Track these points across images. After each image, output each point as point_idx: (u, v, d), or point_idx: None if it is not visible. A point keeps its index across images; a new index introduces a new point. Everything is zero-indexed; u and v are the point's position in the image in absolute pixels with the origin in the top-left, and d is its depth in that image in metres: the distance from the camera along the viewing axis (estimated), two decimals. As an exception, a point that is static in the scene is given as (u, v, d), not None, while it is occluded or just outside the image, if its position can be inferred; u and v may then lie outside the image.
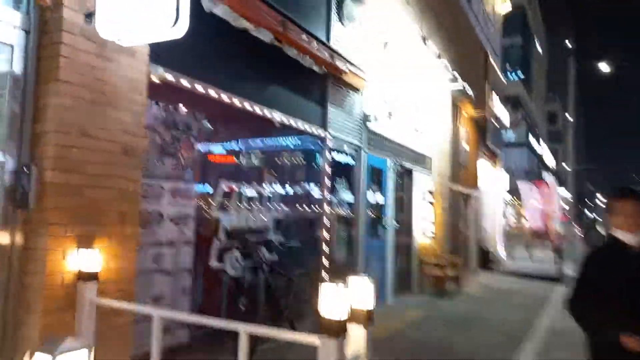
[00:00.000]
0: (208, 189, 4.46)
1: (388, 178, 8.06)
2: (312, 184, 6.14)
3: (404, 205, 9.03)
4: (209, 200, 4.41)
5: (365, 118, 7.18)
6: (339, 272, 6.50)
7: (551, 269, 14.02)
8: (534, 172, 36.13)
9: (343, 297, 2.17)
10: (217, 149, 4.73)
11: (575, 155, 24.24)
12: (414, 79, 8.96)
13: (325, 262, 6.09)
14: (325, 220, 6.15)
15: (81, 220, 3.01)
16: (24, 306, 2.84)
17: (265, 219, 5.05)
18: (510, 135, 37.61)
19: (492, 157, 15.16)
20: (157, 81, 3.75)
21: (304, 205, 6.10)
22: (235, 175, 4.79)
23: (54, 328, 2.83)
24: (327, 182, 6.22)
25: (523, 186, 18.97)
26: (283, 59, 5.27)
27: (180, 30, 2.88)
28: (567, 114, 51.73)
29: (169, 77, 3.88)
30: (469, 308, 8.26)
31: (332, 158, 6.47)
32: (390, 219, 8.11)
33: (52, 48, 2.96)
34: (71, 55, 2.98)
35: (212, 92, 4.32)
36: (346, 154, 6.93)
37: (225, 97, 4.47)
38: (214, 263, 4.32)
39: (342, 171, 6.83)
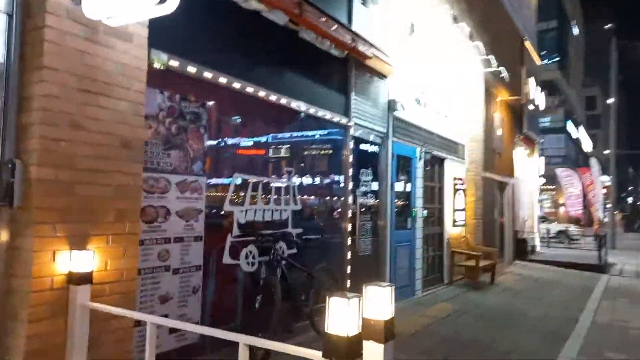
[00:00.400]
0: (220, 181, 4.09)
1: (417, 166, 7.51)
2: (335, 174, 5.70)
3: (434, 194, 8.46)
4: (222, 193, 4.05)
5: (392, 105, 6.66)
6: (364, 265, 6.06)
7: (592, 257, 13.05)
8: (571, 158, 34.33)
9: (354, 310, 1.75)
10: (231, 140, 4.34)
11: (617, 140, 22.71)
12: (445, 64, 8.33)
13: (348, 254, 5.66)
14: (349, 212, 5.71)
15: (73, 219, 2.70)
16: (9, 313, 2.56)
17: (284, 212, 4.66)
18: (546, 121, 35.86)
19: (529, 143, 14.24)
20: (159, 68, 3.40)
21: (327, 197, 5.68)
22: (250, 167, 4.40)
23: (43, 336, 2.54)
24: (351, 171, 5.77)
25: (562, 173, 17.85)
26: (301, 44, 4.85)
27: (168, 6, 2.51)
28: (607, 99, 48.94)
29: (174, 63, 3.52)
30: (503, 301, 7.65)
31: (356, 147, 6.01)
32: (419, 208, 7.57)
33: (36, 33, 2.64)
34: (57, 39, 2.65)
35: (222, 80, 3.95)
36: (371, 142, 6.45)
37: (237, 85, 4.09)
38: (227, 259, 3.98)
39: (367, 160, 6.36)
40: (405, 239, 7.14)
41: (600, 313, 7.16)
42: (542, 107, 14.43)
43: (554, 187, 31.32)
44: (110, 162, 2.90)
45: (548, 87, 36.08)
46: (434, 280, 8.24)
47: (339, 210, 5.71)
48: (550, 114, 36.24)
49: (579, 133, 43.26)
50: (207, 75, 3.82)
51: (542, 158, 15.52)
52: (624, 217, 45.61)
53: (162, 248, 3.51)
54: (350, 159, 5.78)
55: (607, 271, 12.37)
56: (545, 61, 37.53)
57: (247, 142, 4.43)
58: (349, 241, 5.68)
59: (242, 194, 4.21)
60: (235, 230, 4.08)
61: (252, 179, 4.34)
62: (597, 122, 57.11)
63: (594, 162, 14.74)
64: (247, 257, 4.15)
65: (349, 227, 5.71)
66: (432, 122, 8.07)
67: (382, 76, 6.53)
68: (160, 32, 3.26)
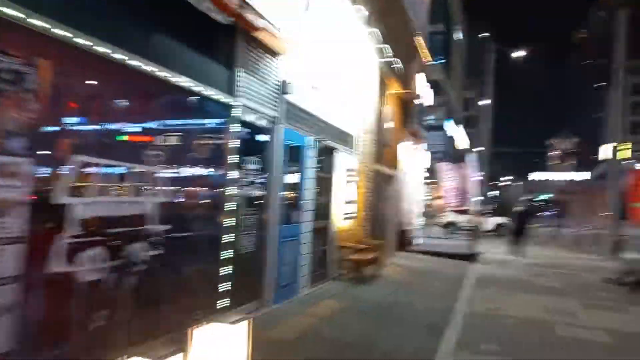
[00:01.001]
0: (55, 165, 3.14)
1: (308, 156, 7.04)
2: (215, 161, 4.96)
3: (324, 186, 8.09)
4: (57, 181, 3.12)
5: (284, 87, 6.06)
6: (246, 264, 5.44)
7: (465, 247, 13.88)
8: (450, 153, 37.00)
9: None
10: (74, 112, 3.39)
11: (490, 138, 24.74)
12: (341, 48, 7.93)
13: (228, 253, 4.98)
14: (231, 204, 5.02)
15: None
16: None
17: (146, 205, 3.82)
18: (430, 119, 38.19)
19: (416, 137, 14.66)
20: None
21: (204, 187, 4.92)
22: (100, 149, 3.48)
23: None
24: (234, 158, 5.08)
25: (442, 166, 18.88)
26: (176, 3, 4.01)
27: None
28: (482, 100, 53.62)
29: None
30: (387, 294, 7.56)
31: (241, 131, 5.31)
32: (309, 201, 7.12)
33: None
34: None
35: (61, 33, 3.01)
36: (260, 127, 5.79)
37: (83, 42, 3.17)
38: (61, 266, 3.07)
39: (254, 147, 5.69)
40: (292, 233, 6.64)
41: (473, 302, 7.39)
42: (429, 102, 14.93)
43: (435, 180, 33.55)
44: None
45: (433, 86, 38.45)
46: (321, 275, 7.89)
47: (219, 203, 4.99)
48: (433, 112, 38.72)
49: (458, 131, 46.92)
50: (39, 24, 2.86)
51: (428, 153, 16.19)
52: (493, 209, 50.54)
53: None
54: (234, 144, 5.08)
55: (477, 260, 13.24)
56: (432, 62, 39.86)
57: (96, 116, 3.50)
58: (228, 238, 5.00)
59: (86, 182, 3.30)
60: (75, 229, 3.17)
61: (101, 164, 3.44)
62: (472, 122, 62.61)
63: (471, 157, 15.77)
64: (90, 262, 3.26)
65: (231, 222, 5.02)
66: (326, 110, 7.64)
67: (274, 54, 5.89)
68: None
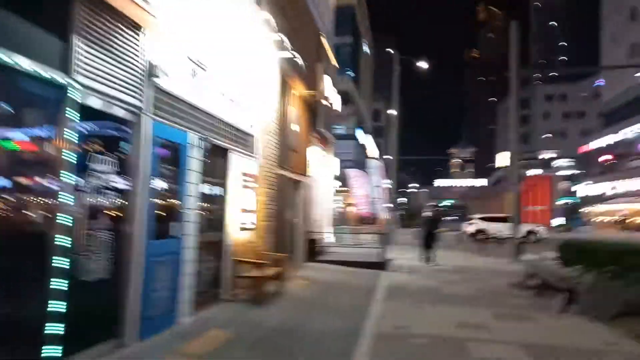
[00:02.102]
0: None
1: (190, 157, 5.81)
2: (42, 162, 3.61)
3: (216, 193, 6.90)
4: None
5: (152, 70, 4.82)
6: (92, 296, 4.09)
7: (375, 255, 13.28)
8: (361, 162, 37.31)
9: None
10: None
11: (396, 148, 24.96)
12: (233, 33, 6.84)
13: (59, 284, 3.62)
14: (62, 218, 3.68)
15: None
16: None
17: None
18: (340, 128, 38.29)
19: (324, 143, 13.93)
20: None
21: (24, 196, 3.54)
22: None
23: None
24: (69, 156, 3.75)
25: (352, 174, 18.44)
26: None
27: None
28: (389, 111, 55.37)
29: None
30: (288, 316, 6.51)
31: (88, 121, 4.00)
32: (193, 210, 5.89)
33: None
34: None
35: None
36: (117, 118, 4.49)
37: None
38: None
39: (108, 143, 4.39)
40: (167, 250, 5.35)
41: (383, 319, 6.60)
42: (337, 107, 14.30)
43: (347, 189, 33.44)
44: None
45: (342, 97, 38.65)
46: (211, 298, 6.65)
47: (48, 216, 3.63)
48: (343, 122, 38.88)
49: (367, 140, 47.75)
50: None
51: (337, 159, 15.56)
52: (400, 216, 51.95)
53: None
54: (71, 136, 3.76)
55: (388, 268, 12.72)
56: (342, 73, 40.12)
57: None
58: (61, 263, 3.64)
59: None
60: None
61: None
62: (381, 132, 64.48)
63: (379, 164, 15.45)
64: None
65: (64, 241, 3.67)
66: (214, 105, 6.48)
67: (136, 27, 4.63)
68: None
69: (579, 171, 58.76)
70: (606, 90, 54.05)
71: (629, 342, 5.78)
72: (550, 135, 73.04)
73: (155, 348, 4.76)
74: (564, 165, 65.08)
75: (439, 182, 71.72)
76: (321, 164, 14.10)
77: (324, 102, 12.41)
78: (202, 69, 6.01)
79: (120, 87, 4.40)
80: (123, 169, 4.56)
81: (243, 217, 7.49)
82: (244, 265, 7.26)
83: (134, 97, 4.60)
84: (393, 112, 26.26)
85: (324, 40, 12.60)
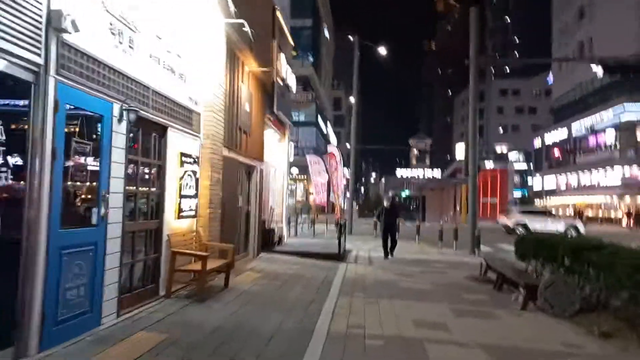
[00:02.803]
0: None
1: (116, 133, 4.94)
2: None
3: (150, 175, 6.04)
4: None
5: (55, 19, 3.91)
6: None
7: (333, 246, 12.72)
8: (321, 150, 36.72)
9: None
10: None
11: (355, 137, 24.48)
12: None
13: None
14: None
15: None
16: None
17: None
18: (300, 114, 37.52)
19: (280, 127, 13.16)
20: None
21: None
22: None
23: None
24: None
25: (311, 159, 17.77)
26: None
27: None
28: (349, 101, 55.17)
29: None
30: (235, 315, 5.80)
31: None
32: (118, 194, 5.03)
33: None
34: None
35: None
36: (7, 77, 3.59)
37: None
38: None
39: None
40: (84, 240, 4.50)
41: (337, 318, 6.02)
42: (293, 88, 13.54)
43: (305, 176, 32.71)
44: None
45: (303, 82, 37.85)
46: (143, 295, 5.82)
47: None
48: (303, 108, 38.11)
49: (327, 129, 47.24)
50: None
51: (292, 144, 14.83)
52: (358, 205, 52.02)
53: None
54: None
55: (345, 259, 12.22)
56: (302, 58, 39.23)
57: None
58: None
59: None
60: None
61: None
62: (341, 121, 64.14)
63: (335, 149, 14.80)
64: None
65: None
66: (148, 74, 5.60)
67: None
68: None
69: (531, 165, 60.81)
70: (555, 88, 55.98)
71: (592, 340, 5.47)
72: (501, 129, 75.17)
73: (65, 356, 3.94)
74: (517, 159, 67.23)
75: (400, 172, 72.30)
76: (277, 149, 13.35)
77: (279, 81, 11.61)
78: (131, 29, 5.12)
79: (9, 38, 3.49)
80: (16, 144, 3.67)
81: (183, 203, 6.67)
82: (185, 258, 6.46)
83: (31, 51, 3.71)
84: (353, 99, 25.73)
85: (278, 15, 11.77)
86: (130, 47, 5.19)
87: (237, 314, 5.87)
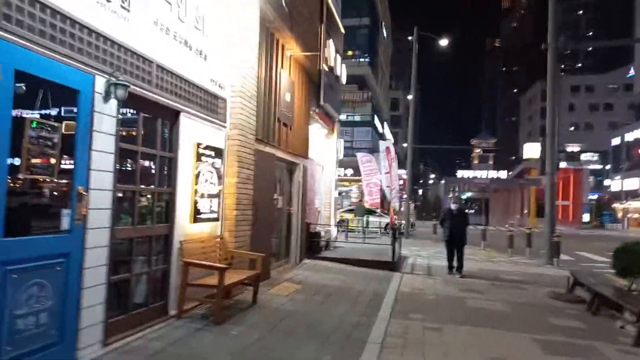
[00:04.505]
0: None
1: (96, 113, 3.83)
2: None
3: (156, 170, 4.92)
4: None
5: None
6: None
7: (387, 251, 11.15)
8: (377, 150, 35.09)
9: None
10: None
11: (413, 134, 22.68)
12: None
13: None
14: None
15: None
16: None
17: None
18: (356, 114, 36.08)
19: (328, 121, 11.83)
20: None
21: None
22: None
23: None
24: None
25: (363, 157, 16.30)
26: None
27: None
28: (407, 102, 52.86)
29: None
30: (254, 347, 4.52)
31: None
32: (104, 191, 3.92)
33: None
34: None
35: None
36: None
37: None
38: None
39: None
40: (47, 252, 3.39)
41: (386, 353, 4.58)
42: (343, 79, 12.16)
43: (359, 177, 31.19)
44: None
45: (359, 81, 36.35)
46: (147, 315, 4.70)
47: None
48: (359, 108, 36.63)
49: (384, 129, 45.39)
50: None
51: (342, 140, 13.46)
52: (416, 207, 49.69)
53: None
54: None
55: (400, 268, 10.66)
56: (358, 57, 37.78)
57: None
58: None
59: None
60: None
61: None
62: (398, 121, 61.86)
63: (390, 144, 13.30)
64: None
65: None
66: (147, 41, 4.48)
67: None
68: None
69: (607, 165, 55.30)
70: (637, 81, 50.38)
71: None
72: (573, 128, 69.32)
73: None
74: (591, 159, 61.54)
75: (461, 173, 68.52)
76: (324, 146, 12.04)
77: (326, 69, 10.28)
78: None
79: None
80: None
81: (201, 204, 5.50)
82: (201, 269, 5.28)
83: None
84: (410, 96, 23.94)
85: (329, 3, 10.49)
86: (123, 7, 4.08)
87: (258, 343, 4.59)
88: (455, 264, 10.04)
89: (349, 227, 15.49)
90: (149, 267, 4.77)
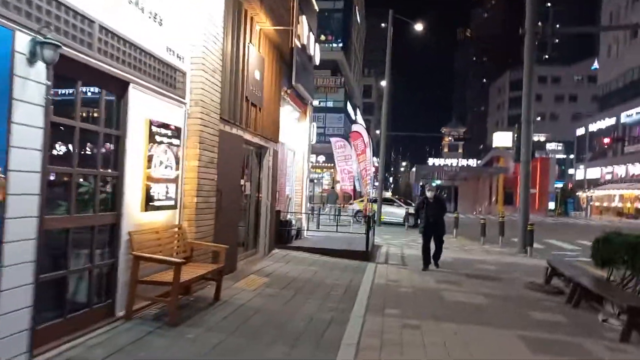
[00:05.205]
0: None
1: (17, 77, 3.14)
2: None
3: (100, 151, 4.23)
4: None
5: None
6: None
7: (360, 241, 10.72)
8: (348, 137, 34.62)
9: None
10: None
11: (386, 122, 22.31)
12: None
13: None
14: None
15: None
16: None
17: None
18: (328, 100, 35.49)
19: (300, 104, 11.21)
20: None
21: None
22: None
23: None
24: None
25: (336, 142, 15.80)
26: None
27: None
28: (380, 90, 52.56)
29: None
30: (213, 353, 3.96)
31: None
32: (32, 176, 3.24)
33: None
34: None
35: None
36: None
37: None
38: None
39: None
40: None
41: (363, 355, 4.12)
42: (316, 59, 11.53)
43: (333, 164, 30.75)
44: None
45: (332, 67, 35.68)
46: (90, 317, 4.05)
47: None
48: (332, 94, 36.02)
49: (357, 116, 44.98)
50: None
51: (314, 125, 12.89)
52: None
53: None
54: None
55: (374, 258, 10.27)
56: (331, 43, 37.09)
57: None
58: None
59: None
60: None
61: None
62: (371, 109, 61.61)
63: (361, 128, 12.83)
64: None
65: None
66: (94, 2, 3.77)
67: None
68: None
69: (571, 155, 56.90)
70: (601, 74, 51.67)
71: None
72: (539, 118, 70.95)
73: None
74: (556, 148, 63.22)
75: (432, 161, 69.18)
76: (295, 130, 11.43)
77: (299, 45, 9.64)
78: None
79: None
80: None
81: (154, 189, 4.85)
82: (155, 264, 4.66)
83: None
84: (384, 83, 23.50)
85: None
86: (52, -49, 3.35)
87: (218, 348, 4.03)
88: (432, 258, 9.31)
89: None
90: (92, 263, 4.11)
